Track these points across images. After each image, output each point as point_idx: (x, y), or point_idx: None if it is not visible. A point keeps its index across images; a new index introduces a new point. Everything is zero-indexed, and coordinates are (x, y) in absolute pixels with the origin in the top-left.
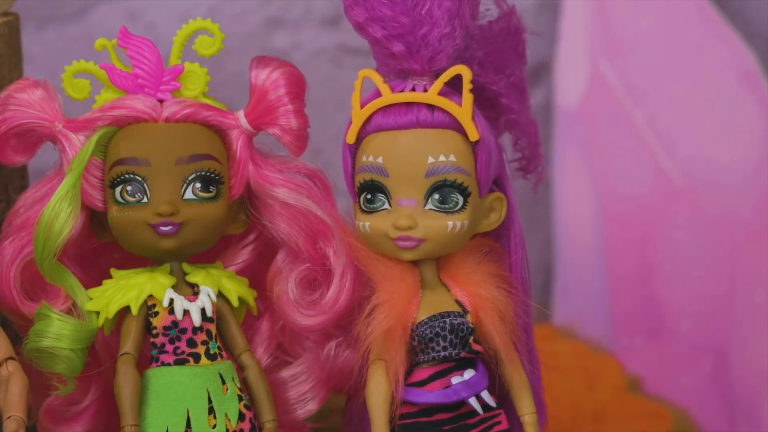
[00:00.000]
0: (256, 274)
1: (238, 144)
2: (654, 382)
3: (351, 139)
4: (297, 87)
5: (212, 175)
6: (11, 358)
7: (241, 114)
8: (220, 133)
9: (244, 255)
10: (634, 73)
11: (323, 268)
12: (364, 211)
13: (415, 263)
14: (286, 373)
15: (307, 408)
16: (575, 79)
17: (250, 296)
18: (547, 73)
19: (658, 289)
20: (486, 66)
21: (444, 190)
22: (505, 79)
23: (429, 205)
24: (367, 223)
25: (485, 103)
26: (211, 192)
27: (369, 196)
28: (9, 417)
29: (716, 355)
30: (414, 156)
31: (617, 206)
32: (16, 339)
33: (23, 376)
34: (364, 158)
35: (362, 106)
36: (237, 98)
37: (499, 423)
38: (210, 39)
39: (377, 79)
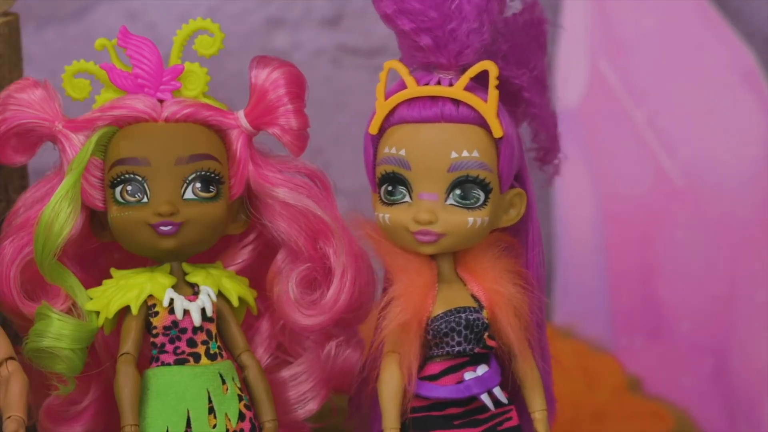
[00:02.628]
0: (256, 274)
1: (238, 144)
2: (654, 382)
3: (374, 129)
4: (297, 87)
5: (212, 175)
6: (11, 358)
7: (241, 114)
8: (220, 133)
9: (244, 255)
10: (634, 73)
11: (323, 268)
12: (384, 203)
13: (432, 257)
14: (286, 373)
15: (307, 408)
16: (575, 79)
17: (250, 296)
18: (547, 73)
19: (658, 289)
20: (510, 59)
21: (466, 186)
22: (528, 73)
23: (450, 200)
24: (387, 215)
25: (507, 95)
26: (211, 192)
27: (390, 188)
28: (9, 417)
29: (716, 355)
30: (437, 150)
31: (617, 206)
32: (16, 339)
33: (23, 376)
34: (386, 150)
35: (386, 98)
36: (237, 98)
37: (509, 419)
38: (210, 39)
39: (403, 71)
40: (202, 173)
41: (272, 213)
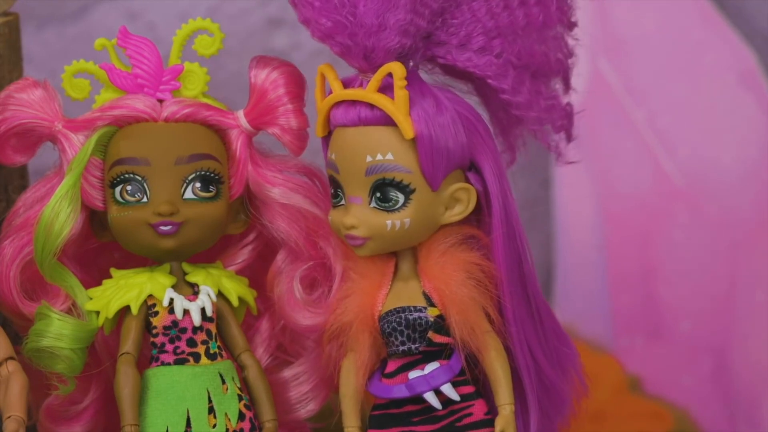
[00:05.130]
0: (256, 274)
1: (237, 144)
2: (654, 382)
3: (318, 132)
4: (297, 87)
5: (212, 175)
6: (11, 357)
7: (240, 114)
8: (220, 132)
9: (244, 255)
10: (634, 73)
11: (323, 268)
12: (332, 206)
13: (393, 254)
14: (287, 373)
15: (308, 408)
16: (575, 79)
17: (249, 296)
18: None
19: (658, 289)
20: (468, 48)
21: (384, 189)
22: (492, 60)
23: (373, 203)
24: (330, 217)
25: (478, 87)
26: (211, 192)
27: (332, 191)
28: (9, 417)
29: (716, 355)
30: (356, 155)
31: (617, 206)
32: (16, 339)
33: (23, 375)
34: (328, 153)
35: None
36: (237, 98)
37: (469, 415)
38: (210, 39)
39: (330, 76)
40: (202, 173)
41: (272, 213)
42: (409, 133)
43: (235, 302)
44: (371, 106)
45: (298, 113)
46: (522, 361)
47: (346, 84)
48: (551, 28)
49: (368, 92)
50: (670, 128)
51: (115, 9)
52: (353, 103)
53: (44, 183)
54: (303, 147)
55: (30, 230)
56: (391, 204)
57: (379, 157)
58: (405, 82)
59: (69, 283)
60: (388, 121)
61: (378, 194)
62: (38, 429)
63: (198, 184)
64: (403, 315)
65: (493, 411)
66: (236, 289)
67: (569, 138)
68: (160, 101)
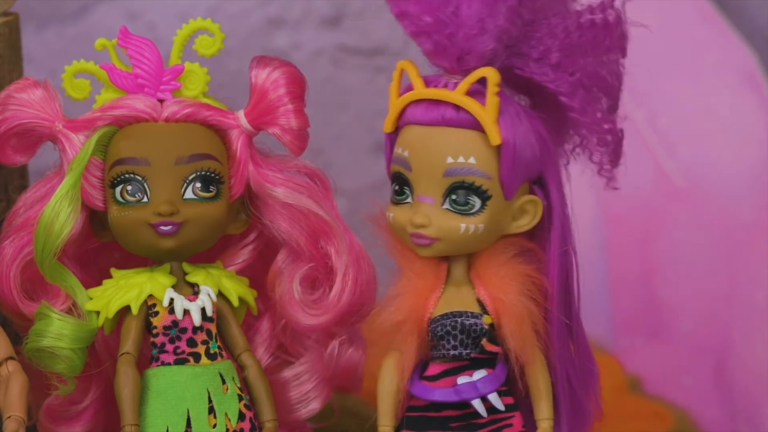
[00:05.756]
0: (257, 274)
1: (238, 144)
2: (654, 382)
3: (387, 128)
4: (297, 87)
5: (212, 175)
6: (11, 357)
7: (241, 114)
8: (220, 132)
9: (244, 255)
10: (634, 73)
11: (325, 268)
12: (392, 202)
13: (445, 258)
14: (288, 373)
15: (309, 407)
16: None
17: (250, 296)
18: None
19: (659, 290)
20: (545, 63)
21: (461, 192)
22: (566, 78)
23: (446, 205)
24: (392, 214)
25: (545, 101)
26: (211, 192)
27: (397, 188)
28: (9, 417)
29: (716, 355)
30: (435, 154)
31: (617, 206)
32: (16, 339)
33: (23, 375)
34: (396, 149)
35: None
36: (237, 98)
37: (509, 426)
38: (210, 39)
39: (412, 73)
40: (202, 173)
41: (273, 213)
42: (497, 140)
43: (235, 302)
44: (457, 108)
45: (299, 113)
46: (559, 376)
47: (428, 83)
48: (613, 53)
49: (457, 94)
50: (670, 128)
51: (115, 9)
52: (436, 102)
53: (44, 183)
54: (303, 147)
55: (30, 230)
56: (467, 208)
57: (461, 159)
58: (498, 89)
59: (69, 283)
60: (473, 125)
61: (453, 196)
62: (38, 429)
63: (198, 184)
64: (459, 320)
65: (528, 425)
66: (236, 289)
67: (616, 163)
68: (161, 101)
